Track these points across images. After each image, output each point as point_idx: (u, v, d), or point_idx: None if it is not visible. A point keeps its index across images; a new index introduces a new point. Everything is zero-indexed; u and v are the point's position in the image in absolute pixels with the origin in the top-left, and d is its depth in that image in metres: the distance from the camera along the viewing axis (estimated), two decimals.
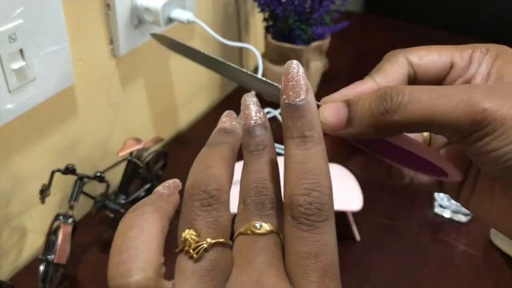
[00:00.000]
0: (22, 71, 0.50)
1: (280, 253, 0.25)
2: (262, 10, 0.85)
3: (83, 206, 0.66)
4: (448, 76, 0.30)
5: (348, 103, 0.28)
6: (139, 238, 0.26)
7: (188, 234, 0.25)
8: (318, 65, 0.89)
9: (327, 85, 0.96)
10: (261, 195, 0.27)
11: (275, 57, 0.87)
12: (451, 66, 0.30)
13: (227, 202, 0.26)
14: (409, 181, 0.33)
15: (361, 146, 0.30)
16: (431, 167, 0.29)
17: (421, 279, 0.60)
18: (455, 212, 0.68)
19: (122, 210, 0.61)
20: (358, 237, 0.64)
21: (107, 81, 0.65)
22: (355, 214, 0.64)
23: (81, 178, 0.55)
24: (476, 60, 0.30)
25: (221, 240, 0.25)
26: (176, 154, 0.77)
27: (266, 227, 0.25)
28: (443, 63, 0.30)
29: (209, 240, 0.24)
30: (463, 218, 0.68)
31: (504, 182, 0.27)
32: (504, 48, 0.30)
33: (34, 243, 0.61)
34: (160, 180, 0.71)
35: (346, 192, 0.63)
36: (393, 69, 0.31)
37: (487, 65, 0.29)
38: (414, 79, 0.31)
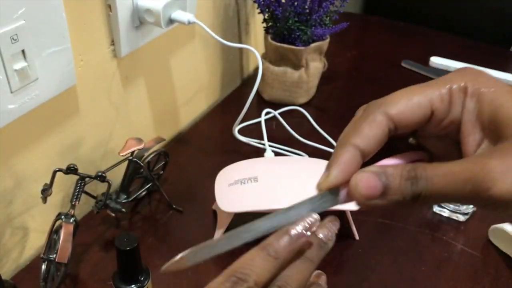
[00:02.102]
0: (24, 72, 0.50)
1: None
2: (262, 11, 0.85)
3: (84, 206, 0.66)
4: (430, 121, 0.31)
5: (384, 178, 0.28)
6: None
7: None
8: (317, 65, 0.90)
9: (326, 86, 0.96)
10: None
11: (275, 57, 0.87)
12: (432, 113, 0.31)
13: None
14: None
15: None
16: None
17: (419, 278, 0.60)
18: (453, 211, 0.68)
19: (123, 210, 0.61)
20: (357, 236, 0.65)
21: (109, 81, 0.65)
22: (354, 213, 0.64)
23: (82, 178, 0.56)
24: (456, 100, 0.30)
25: None
26: (177, 154, 0.77)
27: None
28: (424, 112, 0.31)
29: None
30: (461, 217, 0.68)
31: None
32: (480, 77, 0.30)
33: (35, 242, 0.62)
34: (161, 179, 0.71)
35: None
36: (372, 131, 0.31)
37: (473, 104, 0.30)
38: (395, 130, 0.31)
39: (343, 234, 0.65)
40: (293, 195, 0.57)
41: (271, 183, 0.61)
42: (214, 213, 0.68)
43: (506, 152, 0.27)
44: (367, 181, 0.29)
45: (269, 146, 0.78)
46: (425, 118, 0.31)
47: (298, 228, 0.30)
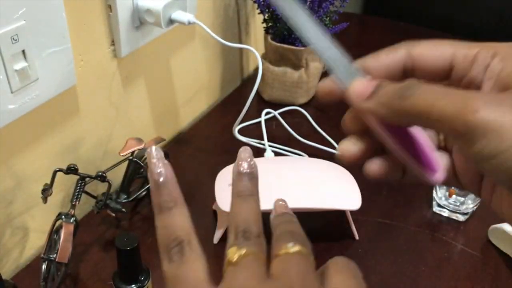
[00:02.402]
0: (25, 72, 0.50)
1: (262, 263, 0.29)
2: (262, 12, 0.85)
3: (84, 206, 0.66)
4: (451, 75, 0.30)
5: (378, 84, 0.29)
6: None
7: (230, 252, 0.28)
8: (317, 65, 0.90)
9: None
10: (247, 234, 0.30)
11: (275, 58, 0.87)
12: (452, 65, 0.30)
13: (262, 236, 0.30)
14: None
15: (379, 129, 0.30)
16: (423, 159, 0.30)
17: (419, 278, 0.60)
18: (453, 211, 0.68)
19: (124, 210, 0.61)
20: (356, 236, 0.65)
21: (109, 81, 0.65)
22: (353, 213, 0.65)
23: (83, 178, 0.56)
24: (481, 61, 0.29)
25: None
26: (177, 153, 0.77)
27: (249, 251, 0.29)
28: (444, 62, 0.30)
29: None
30: (461, 217, 0.68)
31: None
32: (503, 49, 0.29)
33: (36, 242, 0.62)
34: None
35: (345, 192, 0.64)
36: (388, 57, 0.32)
37: (499, 65, 0.29)
38: (412, 73, 0.31)
39: (343, 234, 0.65)
40: (294, 195, 0.58)
41: (271, 183, 0.61)
42: (214, 213, 0.68)
43: (487, 93, 0.28)
44: (360, 84, 0.30)
45: (269, 146, 0.78)
46: (444, 69, 0.30)
47: (245, 165, 0.33)
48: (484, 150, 0.25)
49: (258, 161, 0.66)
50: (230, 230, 0.30)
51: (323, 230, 0.66)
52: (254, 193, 0.32)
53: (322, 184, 0.64)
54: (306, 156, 0.77)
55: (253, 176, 0.33)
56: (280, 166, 0.67)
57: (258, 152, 0.77)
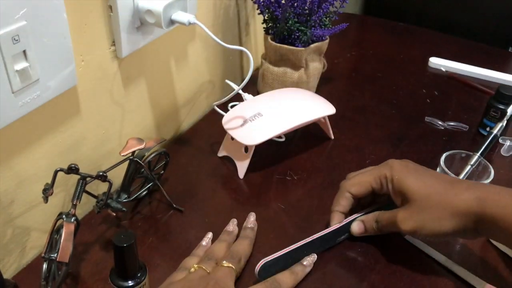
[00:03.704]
0: (25, 72, 0.50)
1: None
2: (262, 12, 0.86)
3: (85, 205, 0.66)
4: (375, 192, 0.62)
5: (364, 223, 0.63)
6: None
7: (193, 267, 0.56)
8: (317, 66, 0.90)
9: (326, 86, 0.97)
10: (208, 258, 0.57)
11: (274, 58, 0.87)
12: (373, 191, 0.62)
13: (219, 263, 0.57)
14: None
15: None
16: None
17: (419, 278, 0.60)
18: None
19: (124, 209, 0.62)
20: (332, 137, 0.83)
21: (110, 82, 0.66)
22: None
23: (83, 178, 0.56)
24: (384, 182, 0.60)
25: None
26: (177, 154, 0.78)
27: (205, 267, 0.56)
28: (368, 190, 0.62)
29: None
30: None
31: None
32: (394, 168, 0.60)
33: (37, 241, 0.62)
34: (161, 179, 0.71)
35: (319, 103, 0.80)
36: (344, 201, 0.63)
37: (391, 184, 0.59)
38: (357, 198, 0.63)
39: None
40: (295, 117, 0.76)
41: (274, 113, 0.76)
42: (215, 212, 0.68)
43: (406, 207, 0.57)
44: (358, 226, 0.63)
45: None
46: (370, 192, 0.62)
47: (229, 227, 0.64)
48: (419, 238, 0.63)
49: (252, 101, 0.82)
50: (203, 255, 0.58)
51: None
52: (227, 240, 0.61)
53: (300, 105, 0.79)
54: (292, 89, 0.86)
55: (232, 233, 0.63)
56: (273, 98, 0.80)
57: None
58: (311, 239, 0.60)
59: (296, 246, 0.59)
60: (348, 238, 0.64)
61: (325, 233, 0.61)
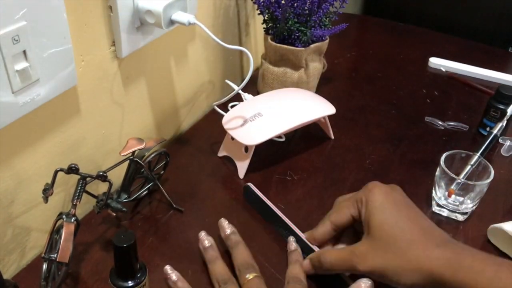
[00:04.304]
0: (26, 72, 0.51)
1: None
2: (262, 12, 0.86)
3: (85, 205, 0.66)
4: (355, 221, 0.57)
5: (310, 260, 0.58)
6: None
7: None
8: (317, 66, 0.90)
9: (326, 86, 0.97)
10: (222, 282, 0.55)
11: (274, 58, 0.87)
12: (353, 218, 0.57)
13: (231, 280, 0.56)
14: None
15: None
16: None
17: None
18: (452, 211, 0.68)
19: (124, 209, 0.62)
20: (332, 137, 0.83)
21: (110, 82, 0.66)
22: None
23: (83, 178, 0.56)
24: (360, 208, 0.56)
25: None
26: (177, 154, 0.78)
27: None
28: (348, 219, 0.57)
29: None
30: (460, 217, 0.68)
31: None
32: (371, 194, 0.55)
33: (37, 241, 0.62)
34: (161, 179, 0.71)
35: (319, 103, 0.80)
36: (323, 230, 0.59)
37: (364, 211, 0.55)
38: (337, 227, 0.58)
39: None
40: (295, 117, 0.76)
41: (274, 113, 0.76)
42: (215, 212, 0.68)
43: (369, 242, 0.53)
44: (306, 263, 0.58)
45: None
46: (350, 221, 0.57)
47: (205, 242, 0.60)
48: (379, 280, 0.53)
49: (252, 101, 0.82)
50: (214, 283, 0.56)
51: None
52: (217, 256, 0.58)
53: (300, 105, 0.79)
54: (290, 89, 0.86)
55: (213, 247, 0.60)
56: (272, 99, 0.80)
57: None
58: (286, 221, 0.63)
59: (277, 211, 0.64)
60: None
61: (294, 228, 0.62)
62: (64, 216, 0.55)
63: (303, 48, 0.84)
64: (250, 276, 0.54)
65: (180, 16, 0.64)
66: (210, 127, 0.84)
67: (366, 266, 0.52)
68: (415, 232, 0.51)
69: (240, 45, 0.97)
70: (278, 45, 0.85)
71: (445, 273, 0.47)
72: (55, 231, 0.55)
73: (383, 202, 0.53)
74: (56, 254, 0.52)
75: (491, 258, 0.48)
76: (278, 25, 0.85)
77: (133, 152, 0.62)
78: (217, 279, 0.55)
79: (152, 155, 0.66)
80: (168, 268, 0.56)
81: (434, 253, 0.49)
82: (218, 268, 0.56)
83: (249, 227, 0.66)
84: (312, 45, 0.86)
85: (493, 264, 0.47)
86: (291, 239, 0.61)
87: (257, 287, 0.53)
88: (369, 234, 0.53)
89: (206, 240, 0.60)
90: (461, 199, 0.68)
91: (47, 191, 0.55)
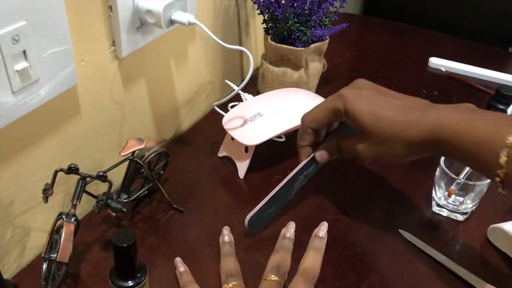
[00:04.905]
0: (25, 72, 0.51)
1: None
2: (262, 12, 0.86)
3: (85, 205, 0.66)
4: (332, 123, 0.64)
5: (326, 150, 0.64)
6: None
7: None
8: (317, 66, 0.90)
9: (326, 86, 0.97)
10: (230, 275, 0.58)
11: (274, 58, 0.87)
12: (329, 123, 0.63)
13: (239, 274, 0.58)
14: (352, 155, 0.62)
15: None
16: None
17: (419, 278, 0.60)
18: (452, 211, 0.68)
19: (124, 209, 0.62)
20: None
21: (110, 82, 0.66)
22: (352, 215, 0.65)
23: (83, 178, 0.56)
24: (340, 116, 0.60)
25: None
26: (177, 154, 0.78)
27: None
28: (325, 122, 0.62)
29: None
30: (460, 217, 0.68)
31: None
32: (346, 100, 0.58)
33: (37, 241, 0.62)
34: (161, 179, 0.71)
35: (319, 103, 0.77)
36: (307, 137, 0.63)
37: (346, 118, 0.59)
38: (317, 129, 0.63)
39: (344, 235, 0.66)
40: (295, 117, 0.72)
41: (274, 113, 0.76)
42: (215, 212, 0.68)
43: (363, 139, 0.59)
44: (320, 155, 0.64)
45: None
46: (327, 123, 0.63)
47: (225, 237, 0.63)
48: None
49: (252, 101, 0.82)
50: (222, 275, 0.58)
51: None
52: (232, 252, 0.61)
53: (300, 105, 0.76)
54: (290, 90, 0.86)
55: (231, 244, 0.62)
56: (273, 99, 0.80)
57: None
58: (285, 181, 0.63)
59: (275, 192, 0.63)
60: (317, 172, 0.66)
61: (297, 170, 0.64)
62: (64, 216, 0.55)
63: (303, 48, 0.84)
64: (274, 278, 0.56)
65: (180, 16, 0.64)
66: (210, 127, 0.84)
67: (369, 156, 0.58)
68: (395, 115, 0.56)
69: (240, 45, 0.97)
70: (278, 45, 0.85)
71: (431, 141, 0.53)
72: (55, 231, 0.55)
73: (359, 104, 0.58)
74: (56, 254, 0.52)
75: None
76: (278, 25, 0.85)
77: (133, 152, 0.62)
78: (225, 272, 0.57)
79: (152, 155, 0.66)
80: (178, 260, 0.59)
81: (419, 126, 0.54)
82: (230, 263, 0.59)
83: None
84: (312, 45, 0.86)
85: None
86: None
87: None
88: (361, 133, 0.58)
89: (227, 236, 0.62)
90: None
91: (47, 191, 0.55)
